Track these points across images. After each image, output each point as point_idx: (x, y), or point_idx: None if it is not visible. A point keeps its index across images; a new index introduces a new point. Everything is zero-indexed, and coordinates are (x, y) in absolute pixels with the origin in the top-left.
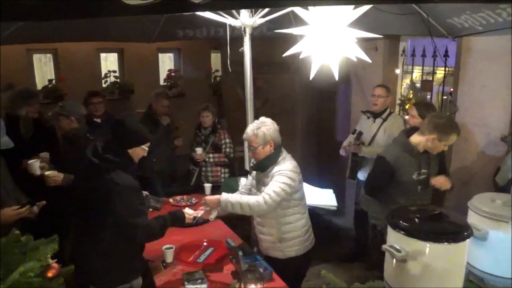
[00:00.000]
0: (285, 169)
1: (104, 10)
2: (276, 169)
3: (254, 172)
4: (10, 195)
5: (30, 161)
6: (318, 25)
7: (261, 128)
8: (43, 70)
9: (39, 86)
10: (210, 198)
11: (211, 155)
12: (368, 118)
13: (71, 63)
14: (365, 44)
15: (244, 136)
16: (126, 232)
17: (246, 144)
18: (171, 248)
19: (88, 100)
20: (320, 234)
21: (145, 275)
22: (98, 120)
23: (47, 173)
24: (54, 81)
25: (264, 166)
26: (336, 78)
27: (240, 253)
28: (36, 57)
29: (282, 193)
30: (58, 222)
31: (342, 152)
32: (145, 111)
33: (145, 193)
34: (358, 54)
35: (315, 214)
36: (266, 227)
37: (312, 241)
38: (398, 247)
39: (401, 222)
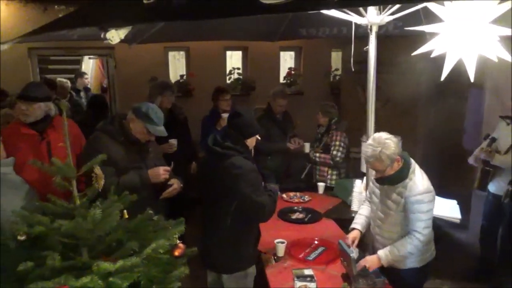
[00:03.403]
0: (422, 191)
1: (242, 10)
2: (409, 188)
3: (373, 179)
4: None
5: None
6: (455, 22)
7: (382, 150)
8: (176, 66)
9: (172, 80)
10: (370, 259)
11: (317, 154)
12: (508, 124)
13: (201, 60)
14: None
15: (364, 158)
16: (254, 210)
17: (363, 146)
18: (283, 242)
19: (217, 96)
20: (440, 248)
21: (257, 264)
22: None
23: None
24: (185, 76)
25: (393, 181)
26: (472, 79)
27: (353, 256)
28: (171, 54)
29: (430, 221)
30: (185, 207)
31: (471, 160)
32: (264, 108)
33: None
34: (501, 54)
35: (435, 225)
36: (386, 233)
37: (432, 253)
38: None
39: None
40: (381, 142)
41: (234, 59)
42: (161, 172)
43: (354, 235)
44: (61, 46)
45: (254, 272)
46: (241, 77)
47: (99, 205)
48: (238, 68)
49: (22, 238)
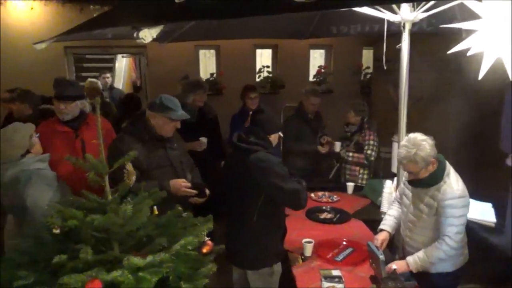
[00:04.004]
0: (456, 195)
1: (273, 8)
2: (442, 191)
3: (404, 180)
4: (185, 170)
5: None
6: (493, 19)
7: (417, 152)
8: (207, 64)
9: (203, 78)
10: (398, 263)
11: (350, 154)
12: None
13: (231, 58)
14: None
15: (397, 159)
16: (288, 198)
17: (394, 146)
18: (310, 242)
19: (245, 94)
20: (473, 251)
21: (284, 263)
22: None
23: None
24: (215, 74)
25: (426, 184)
26: (511, 77)
27: (382, 258)
28: (202, 52)
29: (462, 227)
30: (213, 205)
31: (509, 162)
32: (296, 107)
33: None
34: None
35: (469, 228)
36: (417, 236)
37: (465, 257)
38: None
39: None
40: (416, 143)
41: (264, 57)
42: (182, 185)
43: (383, 237)
44: (96, 45)
45: (280, 270)
46: (270, 75)
47: (130, 201)
48: (268, 66)
49: (57, 231)
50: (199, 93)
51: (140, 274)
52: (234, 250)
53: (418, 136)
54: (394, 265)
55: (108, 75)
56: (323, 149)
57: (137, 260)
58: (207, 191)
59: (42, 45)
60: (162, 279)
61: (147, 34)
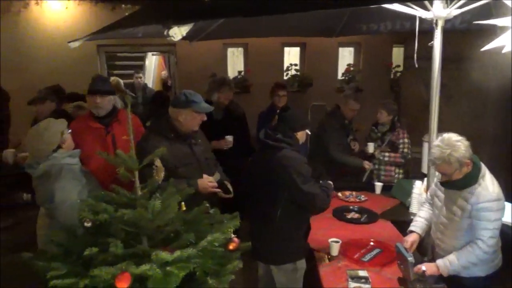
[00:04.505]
0: (491, 198)
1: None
2: (477, 193)
3: (437, 181)
4: (210, 166)
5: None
6: None
7: (451, 153)
8: (235, 62)
9: (230, 76)
10: (428, 266)
11: (386, 154)
12: None
13: (258, 56)
14: None
15: (430, 159)
16: (304, 200)
17: (424, 146)
18: (337, 242)
19: (275, 91)
20: (507, 256)
21: (310, 261)
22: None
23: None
24: (242, 72)
25: (460, 186)
26: None
27: (411, 260)
28: (230, 50)
29: (497, 231)
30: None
31: None
32: (332, 110)
33: None
34: None
35: (503, 232)
36: (448, 239)
37: (499, 262)
38: None
39: None
40: (450, 144)
41: (292, 55)
42: (210, 185)
43: (413, 238)
44: (127, 43)
45: (304, 267)
46: (298, 73)
47: (159, 197)
48: (296, 65)
49: (89, 224)
50: (224, 90)
51: (168, 268)
52: (259, 246)
53: (452, 136)
54: (423, 267)
55: (141, 74)
56: (369, 166)
57: (165, 255)
58: (231, 190)
59: (76, 44)
60: (189, 274)
61: (177, 32)
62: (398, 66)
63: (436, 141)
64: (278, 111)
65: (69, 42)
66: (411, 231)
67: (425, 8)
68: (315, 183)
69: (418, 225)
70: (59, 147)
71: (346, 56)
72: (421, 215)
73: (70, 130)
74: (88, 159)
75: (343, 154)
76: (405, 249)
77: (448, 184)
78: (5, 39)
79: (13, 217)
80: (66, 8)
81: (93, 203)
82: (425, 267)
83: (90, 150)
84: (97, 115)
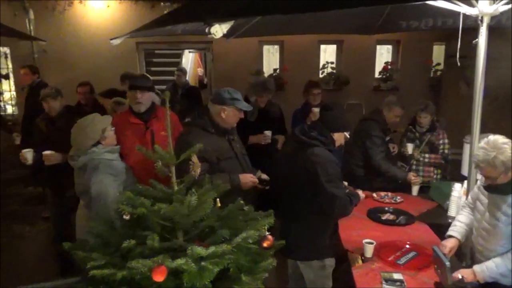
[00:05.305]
0: None
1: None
2: None
3: (480, 185)
4: (247, 161)
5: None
6: None
7: (497, 155)
8: (270, 59)
9: (266, 74)
10: (465, 272)
11: (426, 155)
12: None
13: (294, 53)
14: None
15: (474, 161)
16: (326, 201)
17: (465, 147)
18: (371, 243)
19: (307, 89)
20: None
21: (342, 262)
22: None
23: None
24: (278, 70)
25: (505, 191)
26: None
27: (448, 264)
28: (265, 48)
29: None
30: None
31: None
32: (373, 114)
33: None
34: None
35: None
36: (490, 245)
37: None
38: None
39: None
40: (496, 147)
41: (328, 53)
42: (251, 180)
43: (452, 244)
44: (165, 41)
45: (333, 265)
46: (334, 71)
47: (195, 192)
48: (332, 62)
49: (127, 217)
50: (264, 96)
51: (203, 263)
52: (287, 242)
53: (499, 138)
54: (459, 274)
55: (181, 72)
56: (415, 179)
57: (200, 250)
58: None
59: (118, 41)
60: (222, 270)
61: (218, 30)
62: (439, 64)
63: (481, 143)
64: (312, 109)
65: (112, 39)
66: (450, 236)
67: (470, 4)
68: (341, 186)
69: (457, 230)
70: (98, 142)
71: (384, 54)
72: (460, 219)
73: (113, 128)
74: (128, 154)
75: (388, 164)
76: (443, 253)
77: (492, 188)
78: (51, 36)
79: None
80: (108, 6)
81: (132, 197)
82: (462, 273)
83: (130, 145)
84: (137, 111)
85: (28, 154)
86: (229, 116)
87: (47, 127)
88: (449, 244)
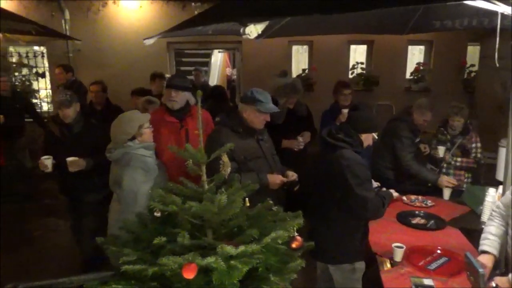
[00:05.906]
0: None
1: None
2: None
3: None
4: (276, 162)
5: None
6: None
7: None
8: (299, 60)
9: (294, 74)
10: (501, 280)
11: (458, 159)
12: None
13: (323, 54)
14: None
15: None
16: (356, 204)
17: (501, 151)
18: (401, 247)
19: (338, 89)
20: None
21: (371, 266)
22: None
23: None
24: (307, 70)
25: None
26: None
27: (482, 272)
28: (294, 48)
29: None
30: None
31: None
32: (403, 115)
33: (376, 184)
34: None
35: None
36: None
37: None
38: None
39: None
40: None
41: (358, 53)
42: (280, 180)
43: (490, 264)
44: (195, 41)
45: (363, 268)
46: (364, 72)
47: (224, 191)
48: (362, 63)
49: (158, 214)
50: (292, 97)
51: (232, 262)
52: (317, 244)
53: None
54: (494, 283)
55: (202, 70)
56: (449, 182)
57: (229, 249)
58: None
59: (151, 41)
60: (251, 270)
61: (253, 30)
62: (473, 65)
63: None
64: (342, 110)
65: (145, 39)
66: (484, 251)
67: (508, 3)
68: (371, 188)
69: (492, 244)
70: (134, 137)
71: (415, 55)
72: (492, 231)
73: (151, 126)
74: (162, 151)
75: (419, 165)
76: (477, 260)
77: None
78: (85, 36)
79: None
80: (140, 7)
81: (163, 194)
82: (497, 281)
83: (164, 142)
84: (170, 107)
85: (47, 162)
86: (250, 116)
87: (61, 132)
88: (485, 261)
